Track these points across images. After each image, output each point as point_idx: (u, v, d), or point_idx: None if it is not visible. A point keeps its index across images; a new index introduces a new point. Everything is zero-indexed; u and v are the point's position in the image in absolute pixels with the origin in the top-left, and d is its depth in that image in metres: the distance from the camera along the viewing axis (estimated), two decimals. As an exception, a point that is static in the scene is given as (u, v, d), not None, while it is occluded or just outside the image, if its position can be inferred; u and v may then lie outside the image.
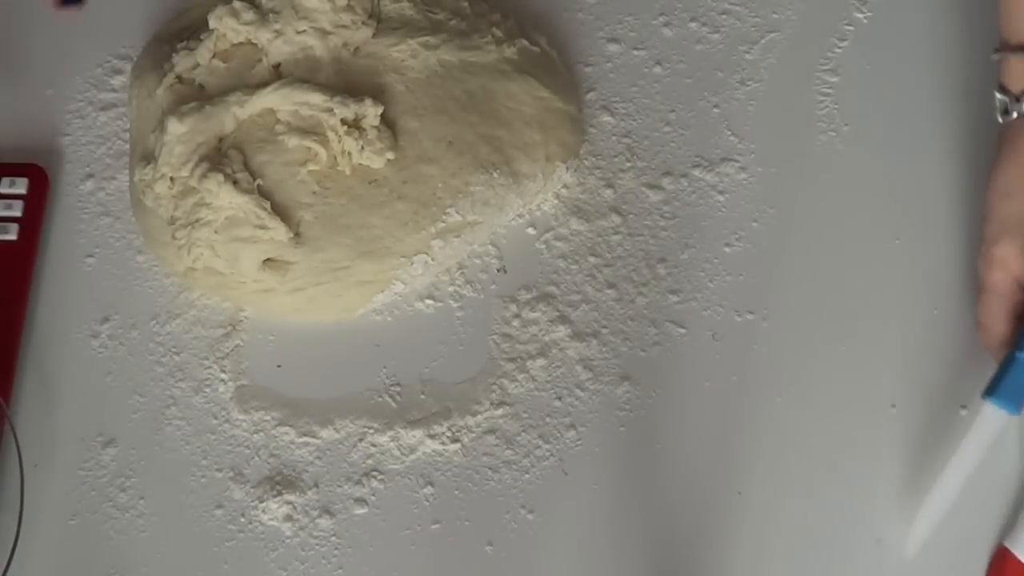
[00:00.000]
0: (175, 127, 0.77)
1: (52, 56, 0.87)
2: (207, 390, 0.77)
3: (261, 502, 0.74)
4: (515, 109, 0.81)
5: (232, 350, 0.78)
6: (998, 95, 0.76)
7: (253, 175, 0.77)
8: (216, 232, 0.77)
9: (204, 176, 0.76)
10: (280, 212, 0.76)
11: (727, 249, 0.81)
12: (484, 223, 0.80)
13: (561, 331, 0.78)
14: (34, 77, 0.86)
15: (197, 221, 0.77)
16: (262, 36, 0.79)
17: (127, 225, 0.82)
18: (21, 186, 0.82)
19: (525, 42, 0.83)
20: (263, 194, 0.77)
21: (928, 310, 0.79)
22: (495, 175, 0.79)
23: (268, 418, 0.76)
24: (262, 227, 0.76)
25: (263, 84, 0.78)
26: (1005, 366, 0.71)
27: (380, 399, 0.77)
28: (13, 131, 0.85)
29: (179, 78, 0.80)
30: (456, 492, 0.74)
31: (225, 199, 0.76)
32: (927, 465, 0.74)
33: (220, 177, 0.76)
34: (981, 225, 0.75)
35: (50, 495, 0.74)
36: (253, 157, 0.77)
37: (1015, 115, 0.75)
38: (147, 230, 0.80)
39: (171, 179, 0.77)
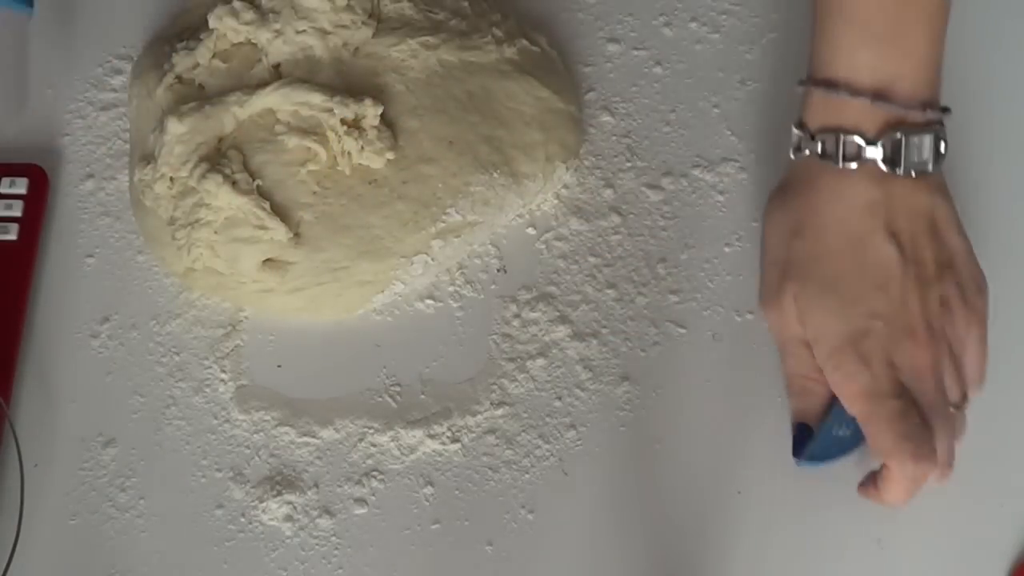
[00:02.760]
0: (175, 127, 0.77)
1: (52, 56, 0.87)
2: (207, 390, 0.77)
3: (261, 502, 0.74)
4: (515, 109, 0.81)
5: (232, 350, 0.78)
6: (795, 130, 0.73)
7: (252, 175, 0.77)
8: (216, 232, 0.77)
9: (203, 177, 0.76)
10: (280, 212, 0.76)
11: (727, 249, 0.81)
12: (484, 223, 0.80)
13: (561, 331, 0.78)
14: (34, 77, 0.86)
15: (197, 221, 0.77)
16: (262, 36, 0.79)
17: (127, 225, 0.82)
18: (21, 186, 0.82)
19: (525, 42, 0.83)
20: (263, 194, 0.77)
21: (928, 310, 0.79)
22: (495, 175, 0.79)
23: (268, 418, 0.76)
24: (262, 227, 0.76)
25: (263, 84, 0.78)
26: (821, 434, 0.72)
27: (380, 399, 0.77)
28: (13, 131, 0.85)
29: (179, 78, 0.80)
30: (456, 492, 0.74)
31: (224, 200, 0.76)
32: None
33: (219, 178, 0.76)
34: (763, 268, 0.74)
35: (50, 495, 0.74)
36: (253, 157, 0.77)
37: (807, 152, 0.72)
38: (147, 230, 0.80)
39: (171, 179, 0.77)
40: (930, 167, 0.72)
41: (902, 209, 0.71)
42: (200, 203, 0.77)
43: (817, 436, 0.72)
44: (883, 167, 0.71)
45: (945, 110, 0.73)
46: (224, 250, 0.77)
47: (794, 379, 0.73)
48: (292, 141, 0.77)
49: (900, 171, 0.71)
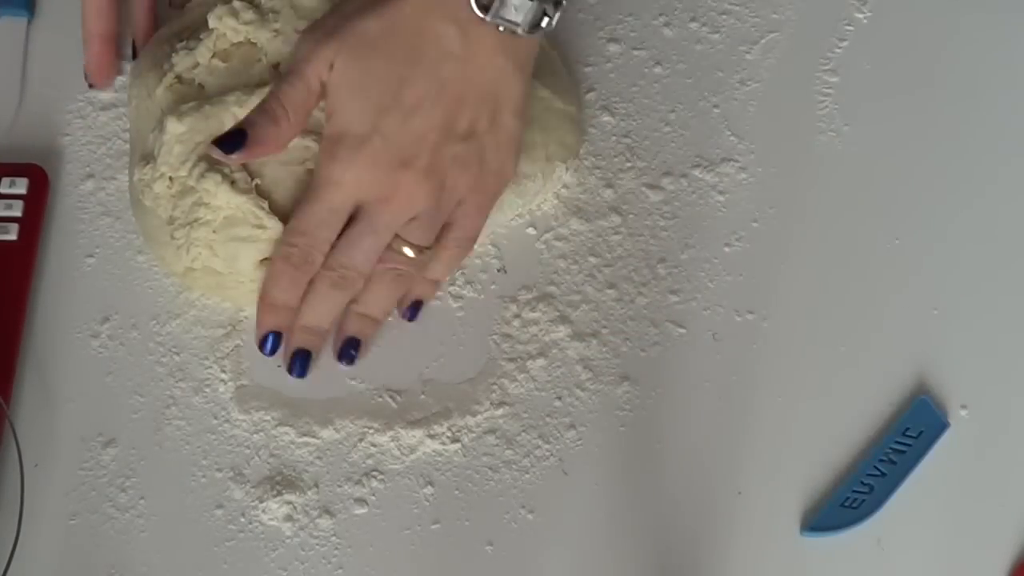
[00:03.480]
0: (174, 127, 0.77)
1: (52, 56, 0.87)
2: (207, 390, 0.77)
3: (261, 502, 0.74)
4: None
5: (232, 350, 0.78)
6: None
7: (251, 174, 0.77)
8: (214, 232, 0.77)
9: (202, 176, 0.76)
10: (278, 211, 0.76)
11: (727, 249, 0.81)
12: None
13: (561, 331, 0.78)
14: (34, 77, 0.86)
15: (195, 221, 0.77)
16: (261, 36, 0.79)
17: (127, 225, 0.82)
18: (21, 186, 0.82)
19: None
20: (261, 193, 0.77)
21: (928, 310, 0.79)
22: None
23: (268, 418, 0.76)
24: (260, 226, 0.76)
25: (262, 84, 0.78)
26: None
27: (380, 399, 0.77)
28: (13, 131, 0.85)
29: (179, 78, 0.80)
30: (456, 492, 0.74)
31: (223, 199, 0.76)
32: (927, 463, 0.74)
33: (218, 177, 0.76)
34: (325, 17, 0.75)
35: (50, 495, 0.74)
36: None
37: None
38: (146, 230, 0.80)
39: (170, 179, 0.77)
40: (520, 31, 0.73)
41: (472, 61, 0.73)
42: (199, 202, 0.77)
43: (825, 506, 0.73)
44: (474, 6, 0.72)
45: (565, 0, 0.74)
46: (223, 249, 0.77)
47: (280, 104, 0.74)
48: (302, 144, 0.77)
49: (489, 19, 0.72)
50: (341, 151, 0.73)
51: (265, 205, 0.76)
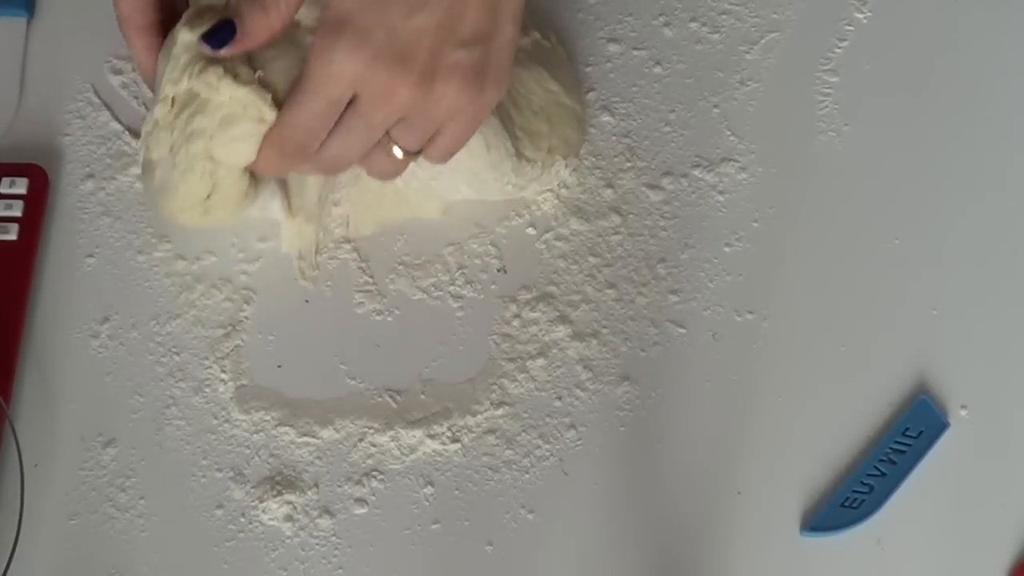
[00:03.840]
0: (184, 36, 0.73)
1: (52, 56, 0.87)
2: (207, 390, 0.77)
3: (261, 502, 0.74)
4: (525, 96, 0.80)
5: (232, 350, 0.78)
6: None
7: (254, 68, 0.73)
8: (211, 138, 0.73)
9: (201, 72, 0.72)
10: (282, 103, 0.72)
11: (727, 249, 0.81)
12: (475, 169, 0.78)
13: (561, 331, 0.78)
14: (34, 77, 0.86)
15: (191, 135, 0.73)
16: None
17: (127, 225, 0.82)
18: (21, 186, 0.82)
19: (538, 35, 0.83)
20: (265, 85, 0.72)
21: (928, 310, 0.79)
22: (503, 132, 0.77)
23: (268, 418, 0.76)
24: (261, 120, 0.72)
25: None
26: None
27: (380, 399, 0.77)
28: (13, 131, 0.85)
29: (199, 12, 0.74)
30: (456, 492, 0.74)
31: (225, 92, 0.72)
32: (927, 463, 0.74)
33: (220, 70, 0.72)
34: None
35: (50, 495, 0.74)
36: (261, 54, 0.73)
37: None
38: (157, 187, 0.75)
39: (172, 99, 0.73)
40: None
41: None
42: (196, 111, 0.72)
43: (824, 506, 0.73)
44: None
45: None
46: (223, 152, 0.73)
47: None
48: (311, 40, 0.72)
49: None
50: (341, 42, 0.69)
51: (268, 97, 0.72)
